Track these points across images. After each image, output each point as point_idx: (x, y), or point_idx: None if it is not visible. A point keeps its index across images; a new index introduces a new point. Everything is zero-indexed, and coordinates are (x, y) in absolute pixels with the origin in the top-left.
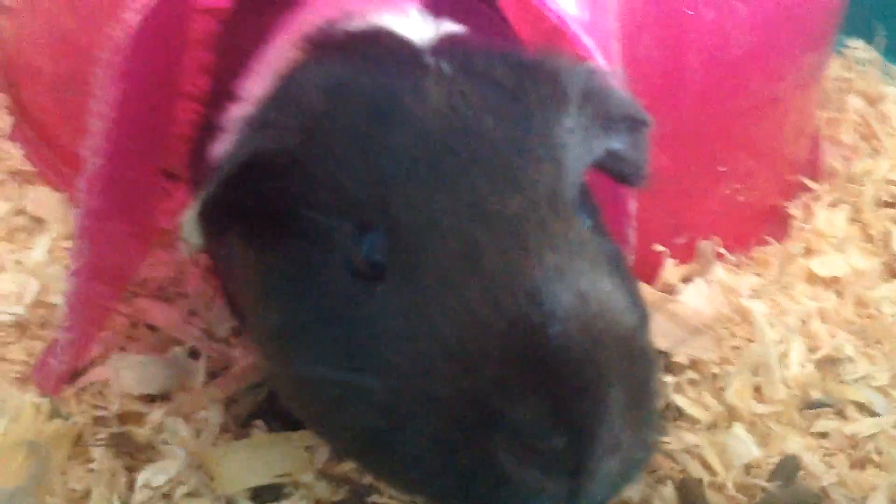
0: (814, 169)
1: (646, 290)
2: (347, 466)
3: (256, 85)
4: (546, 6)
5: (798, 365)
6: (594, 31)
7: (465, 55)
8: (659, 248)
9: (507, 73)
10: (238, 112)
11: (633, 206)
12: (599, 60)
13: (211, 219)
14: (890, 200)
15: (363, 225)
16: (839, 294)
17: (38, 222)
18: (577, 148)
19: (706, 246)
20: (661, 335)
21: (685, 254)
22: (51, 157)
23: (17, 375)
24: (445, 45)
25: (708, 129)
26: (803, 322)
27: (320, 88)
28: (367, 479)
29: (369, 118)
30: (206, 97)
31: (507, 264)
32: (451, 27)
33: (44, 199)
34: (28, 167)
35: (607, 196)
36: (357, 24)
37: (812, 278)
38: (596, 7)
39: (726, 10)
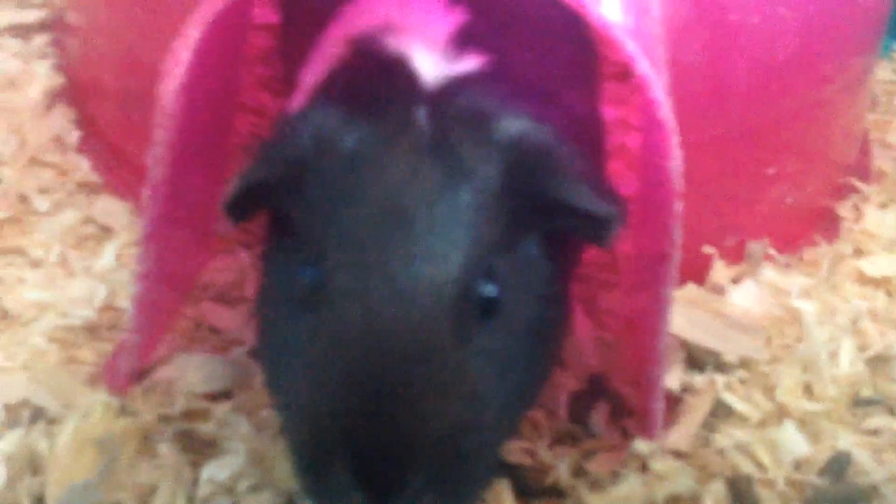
0: (863, 171)
1: (695, 291)
2: None
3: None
4: (588, 11)
5: (848, 363)
6: (639, 36)
7: (455, 112)
8: (708, 249)
9: (472, 149)
10: None
11: (678, 206)
12: (644, 66)
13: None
14: None
15: (311, 260)
16: (889, 294)
17: (106, 230)
18: (493, 235)
19: (755, 247)
20: (710, 335)
21: (735, 255)
22: (117, 168)
23: (88, 376)
24: (447, 93)
25: (755, 133)
26: (853, 321)
27: (310, 137)
28: None
29: (337, 177)
30: (265, 110)
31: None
32: (466, 66)
33: (111, 209)
34: (96, 178)
35: (652, 195)
36: (383, 49)
37: (862, 278)
38: (640, 12)
39: (771, 15)
